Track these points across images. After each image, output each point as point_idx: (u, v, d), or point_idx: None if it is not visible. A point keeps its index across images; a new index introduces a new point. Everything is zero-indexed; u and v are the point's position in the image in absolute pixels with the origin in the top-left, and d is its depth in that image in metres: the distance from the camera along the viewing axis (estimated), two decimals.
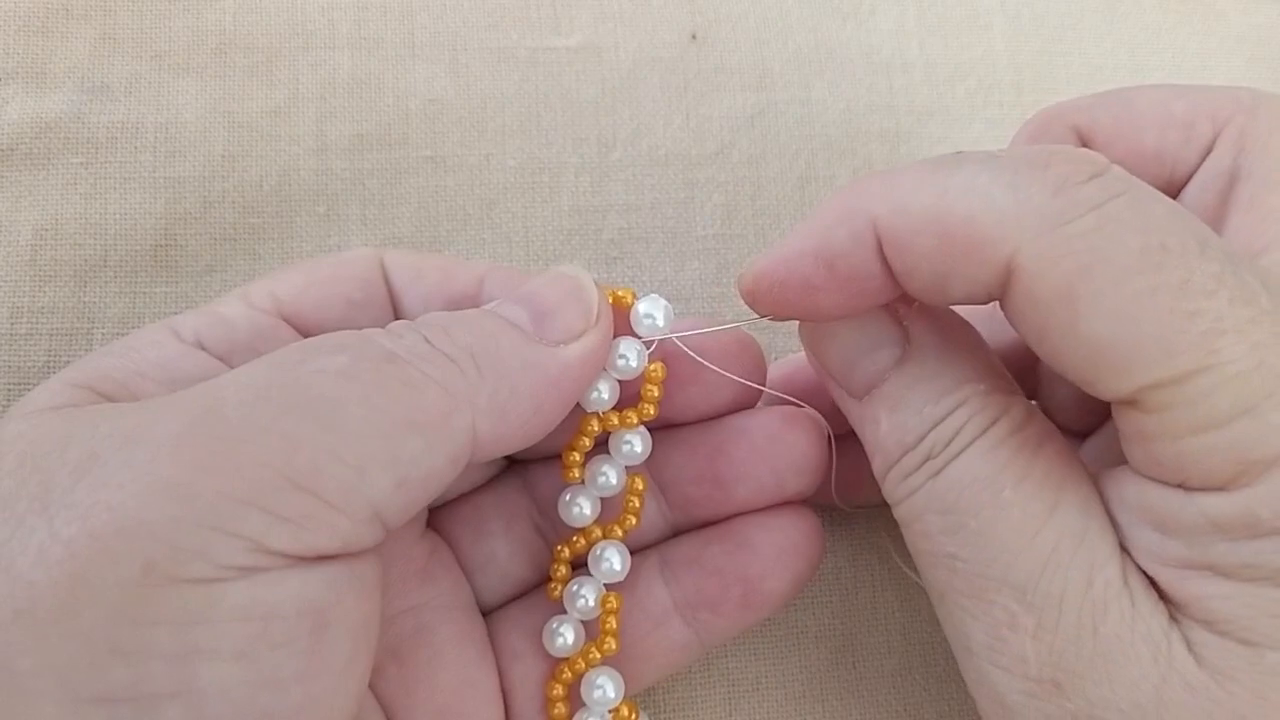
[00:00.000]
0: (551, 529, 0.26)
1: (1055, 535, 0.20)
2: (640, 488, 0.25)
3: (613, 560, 0.24)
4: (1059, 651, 0.19)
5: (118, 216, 0.30)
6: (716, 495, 0.25)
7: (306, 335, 0.23)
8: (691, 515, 0.26)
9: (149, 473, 0.17)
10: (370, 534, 0.19)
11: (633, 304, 0.24)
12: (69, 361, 0.29)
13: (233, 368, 0.22)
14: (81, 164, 0.30)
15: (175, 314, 0.23)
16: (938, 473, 0.21)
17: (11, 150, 0.30)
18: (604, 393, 0.24)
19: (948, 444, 0.21)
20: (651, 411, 0.24)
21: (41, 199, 0.30)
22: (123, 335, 0.29)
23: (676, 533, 0.26)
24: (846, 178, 0.34)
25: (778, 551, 0.25)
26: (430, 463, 0.19)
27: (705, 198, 0.33)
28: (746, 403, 0.26)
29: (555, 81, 0.33)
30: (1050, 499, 0.20)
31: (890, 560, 0.30)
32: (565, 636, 0.24)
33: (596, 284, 0.23)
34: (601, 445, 0.25)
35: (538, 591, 0.26)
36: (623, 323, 0.24)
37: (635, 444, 0.24)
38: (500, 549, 0.26)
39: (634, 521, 0.25)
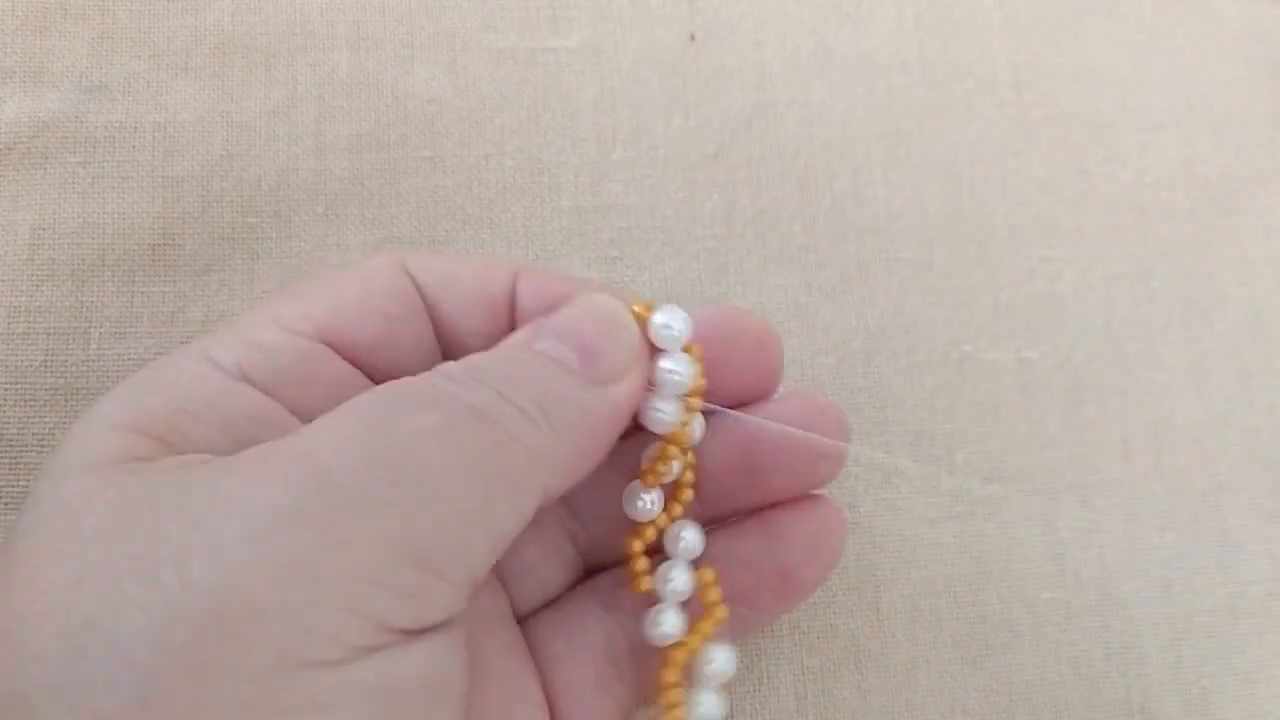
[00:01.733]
0: (581, 529, 0.26)
1: None
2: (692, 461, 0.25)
3: (691, 539, 0.25)
4: None
5: (115, 216, 0.30)
6: (750, 485, 0.25)
7: (349, 357, 0.23)
8: (723, 507, 0.26)
9: (272, 550, 0.17)
10: (467, 600, 0.19)
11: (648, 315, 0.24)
12: (66, 362, 0.28)
13: (281, 401, 0.22)
14: (79, 163, 0.30)
15: (201, 337, 0.23)
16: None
17: (9, 149, 0.30)
18: (669, 413, 0.24)
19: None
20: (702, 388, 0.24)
21: (39, 198, 0.29)
22: (119, 336, 0.29)
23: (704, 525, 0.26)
24: (846, 178, 0.34)
25: (810, 540, 0.25)
26: (515, 526, 0.20)
27: (705, 198, 0.33)
28: (764, 392, 0.26)
29: (554, 82, 0.33)
30: None
31: (893, 560, 0.30)
32: (668, 623, 0.24)
33: (630, 309, 0.23)
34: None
35: (569, 595, 0.26)
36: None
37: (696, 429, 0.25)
38: (536, 556, 0.26)
39: (690, 495, 0.25)
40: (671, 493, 0.25)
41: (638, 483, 0.25)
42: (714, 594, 0.24)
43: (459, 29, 0.33)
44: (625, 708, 0.25)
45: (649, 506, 0.25)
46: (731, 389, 0.25)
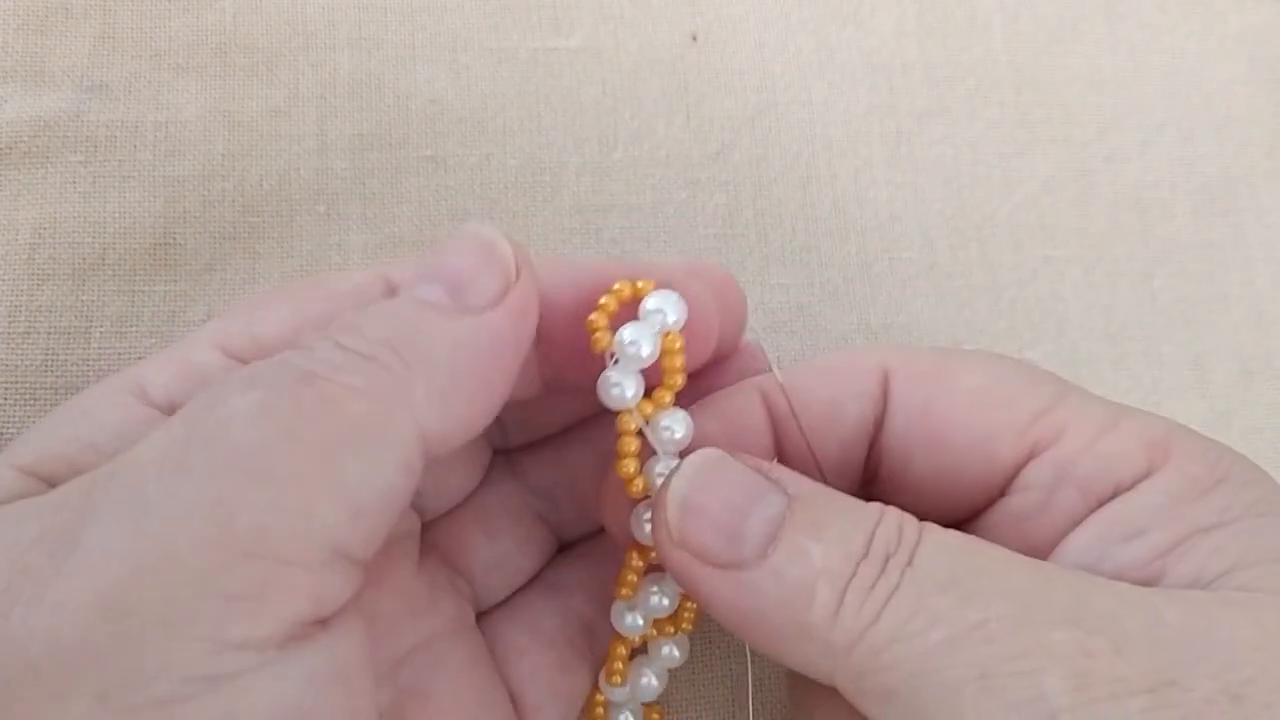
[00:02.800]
0: (551, 509, 0.26)
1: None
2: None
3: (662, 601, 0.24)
4: (1161, 644, 0.18)
5: (116, 215, 0.30)
6: None
7: None
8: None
9: (82, 587, 0.15)
10: (341, 580, 0.17)
11: (645, 295, 0.22)
12: (67, 361, 0.28)
13: None
14: (80, 162, 0.30)
15: (141, 362, 0.21)
16: (911, 559, 0.19)
17: (10, 149, 0.30)
18: (628, 390, 0.22)
19: (900, 536, 0.19)
20: (680, 381, 0.23)
21: (40, 197, 0.29)
22: (120, 336, 0.29)
23: None
24: (848, 178, 0.34)
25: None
26: (382, 480, 0.18)
27: (707, 198, 0.33)
28: (730, 342, 0.25)
29: (556, 82, 0.33)
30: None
31: None
32: (636, 618, 0.24)
33: (508, 238, 0.21)
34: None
35: (531, 584, 0.26)
36: (633, 313, 0.23)
37: (676, 429, 0.23)
38: (511, 547, 0.25)
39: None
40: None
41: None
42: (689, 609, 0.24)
43: (461, 29, 0.33)
44: (586, 684, 0.25)
45: (636, 623, 0.24)
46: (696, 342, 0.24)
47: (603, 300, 0.22)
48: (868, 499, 0.21)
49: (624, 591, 0.24)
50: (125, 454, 0.17)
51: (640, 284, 0.22)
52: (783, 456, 0.23)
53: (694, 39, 0.34)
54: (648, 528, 0.22)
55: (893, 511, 0.20)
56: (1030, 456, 0.22)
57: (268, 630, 0.16)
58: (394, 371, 0.18)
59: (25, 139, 0.30)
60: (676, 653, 0.25)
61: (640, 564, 0.24)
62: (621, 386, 0.22)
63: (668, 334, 0.22)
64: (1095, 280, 0.34)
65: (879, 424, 0.23)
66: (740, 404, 0.23)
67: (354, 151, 0.31)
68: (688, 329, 0.22)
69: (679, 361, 0.22)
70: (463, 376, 0.19)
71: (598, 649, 0.25)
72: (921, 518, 0.20)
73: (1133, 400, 0.33)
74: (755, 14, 0.35)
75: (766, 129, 0.34)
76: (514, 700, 0.24)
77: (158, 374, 0.20)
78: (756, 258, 0.32)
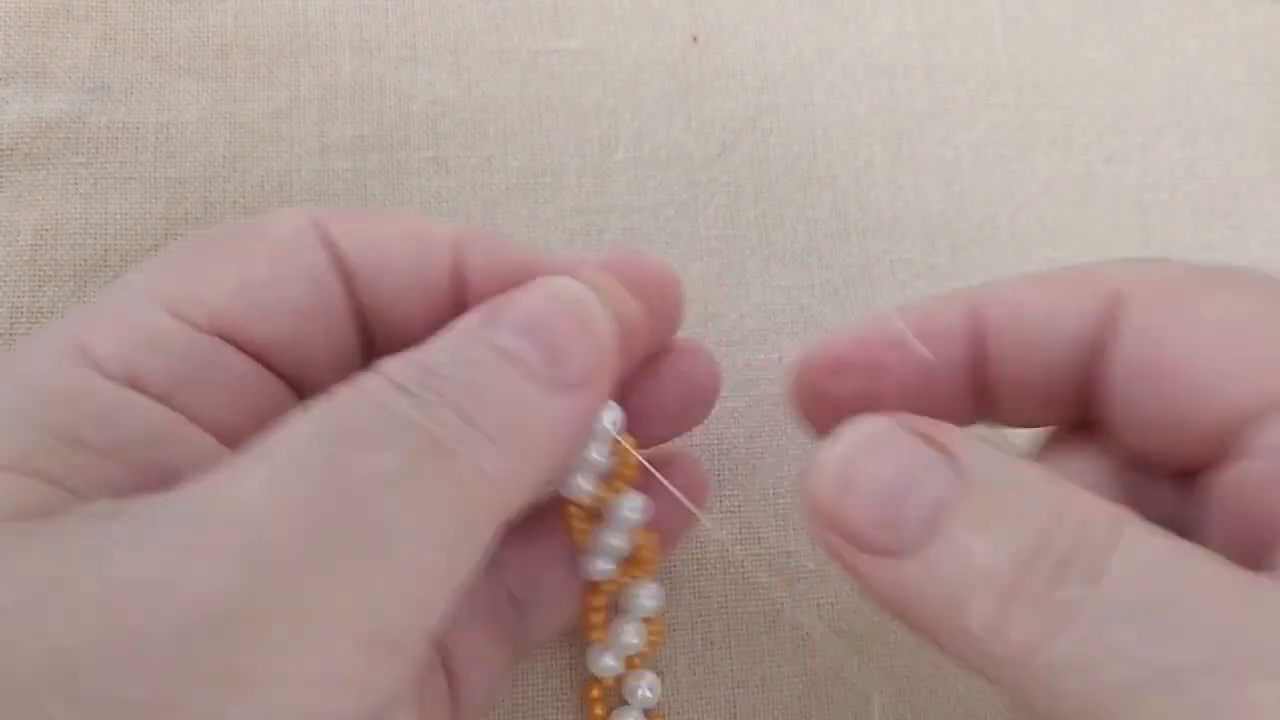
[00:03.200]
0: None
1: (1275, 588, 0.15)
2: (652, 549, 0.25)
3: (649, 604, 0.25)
4: None
5: (118, 217, 0.30)
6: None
7: (251, 351, 0.20)
8: None
9: (201, 654, 0.14)
10: (418, 665, 0.17)
11: None
12: None
13: (176, 408, 0.18)
14: (82, 164, 0.30)
15: (69, 317, 0.19)
16: (1096, 572, 0.15)
17: (11, 150, 0.30)
18: (585, 484, 0.23)
19: (1084, 535, 0.16)
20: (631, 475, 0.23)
21: (41, 199, 0.29)
22: None
23: None
24: (849, 179, 0.34)
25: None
26: (475, 567, 0.17)
27: (708, 199, 0.33)
28: (665, 334, 0.24)
29: (557, 84, 0.33)
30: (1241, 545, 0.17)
31: None
32: (610, 661, 0.25)
33: (600, 301, 0.20)
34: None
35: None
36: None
37: (635, 510, 0.24)
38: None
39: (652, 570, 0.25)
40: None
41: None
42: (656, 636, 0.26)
43: (461, 31, 0.33)
44: (508, 660, 0.25)
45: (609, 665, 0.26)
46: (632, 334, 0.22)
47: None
48: (1077, 441, 0.19)
49: (594, 635, 0.24)
50: (217, 487, 0.16)
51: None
52: (981, 385, 0.21)
53: (695, 40, 0.34)
54: (599, 565, 0.24)
55: (1082, 502, 0.16)
56: (1273, 409, 0.18)
57: (361, 712, 0.16)
58: (506, 458, 0.17)
59: (27, 140, 0.30)
60: (651, 603, 0.26)
61: (601, 603, 0.25)
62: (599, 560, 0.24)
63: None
64: None
65: (1101, 351, 0.20)
66: (939, 317, 0.21)
67: (355, 153, 0.31)
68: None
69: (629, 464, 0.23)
70: (547, 460, 0.19)
71: (523, 626, 0.25)
72: (1141, 468, 0.18)
73: None
74: (756, 15, 0.35)
75: (767, 130, 0.34)
76: (447, 673, 0.23)
77: (102, 337, 0.18)
78: (757, 258, 0.32)
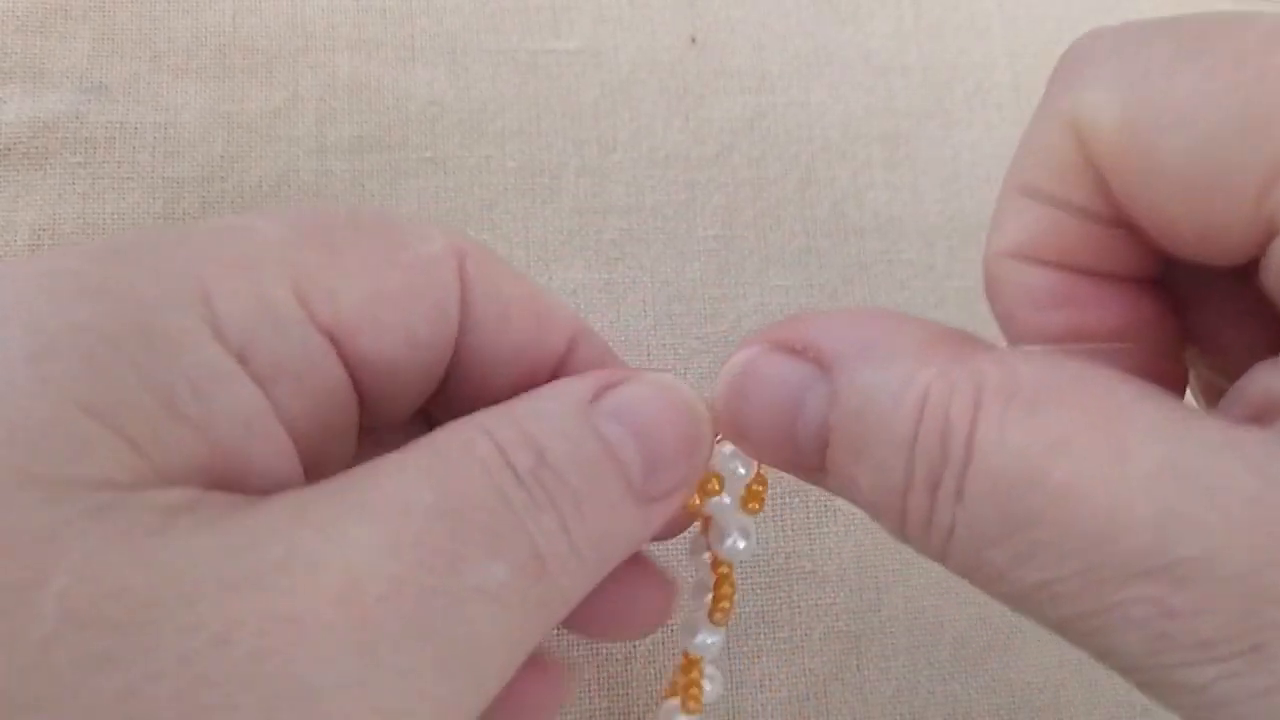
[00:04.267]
0: None
1: (1157, 478, 0.14)
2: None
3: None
4: (1238, 614, 0.14)
5: (116, 216, 0.30)
6: None
7: (351, 369, 0.18)
8: None
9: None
10: None
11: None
12: None
13: (271, 399, 0.17)
14: (80, 164, 0.30)
15: (203, 255, 0.17)
16: (960, 487, 0.15)
17: (9, 150, 0.30)
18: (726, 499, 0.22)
19: (944, 452, 0.15)
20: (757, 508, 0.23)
21: (39, 198, 0.29)
22: None
23: None
24: (847, 179, 0.34)
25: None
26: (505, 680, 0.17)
27: (706, 199, 0.33)
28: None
29: (555, 84, 0.33)
30: (1118, 436, 0.15)
31: (894, 561, 0.30)
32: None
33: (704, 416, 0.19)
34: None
35: None
36: None
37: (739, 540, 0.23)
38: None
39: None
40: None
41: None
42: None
43: (460, 31, 0.33)
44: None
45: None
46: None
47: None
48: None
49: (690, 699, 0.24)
50: (328, 543, 0.15)
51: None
52: (1116, 209, 0.17)
53: (693, 41, 0.34)
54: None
55: (934, 408, 0.15)
56: None
57: None
58: (587, 578, 0.17)
59: (25, 140, 0.30)
60: (741, 544, 0.23)
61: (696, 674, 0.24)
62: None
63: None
64: None
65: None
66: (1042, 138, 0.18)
67: (353, 153, 0.31)
68: None
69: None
70: (611, 567, 0.18)
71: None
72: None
73: None
74: (754, 16, 0.35)
75: (765, 130, 0.34)
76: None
77: (226, 291, 0.16)
78: (755, 259, 0.32)
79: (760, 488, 0.22)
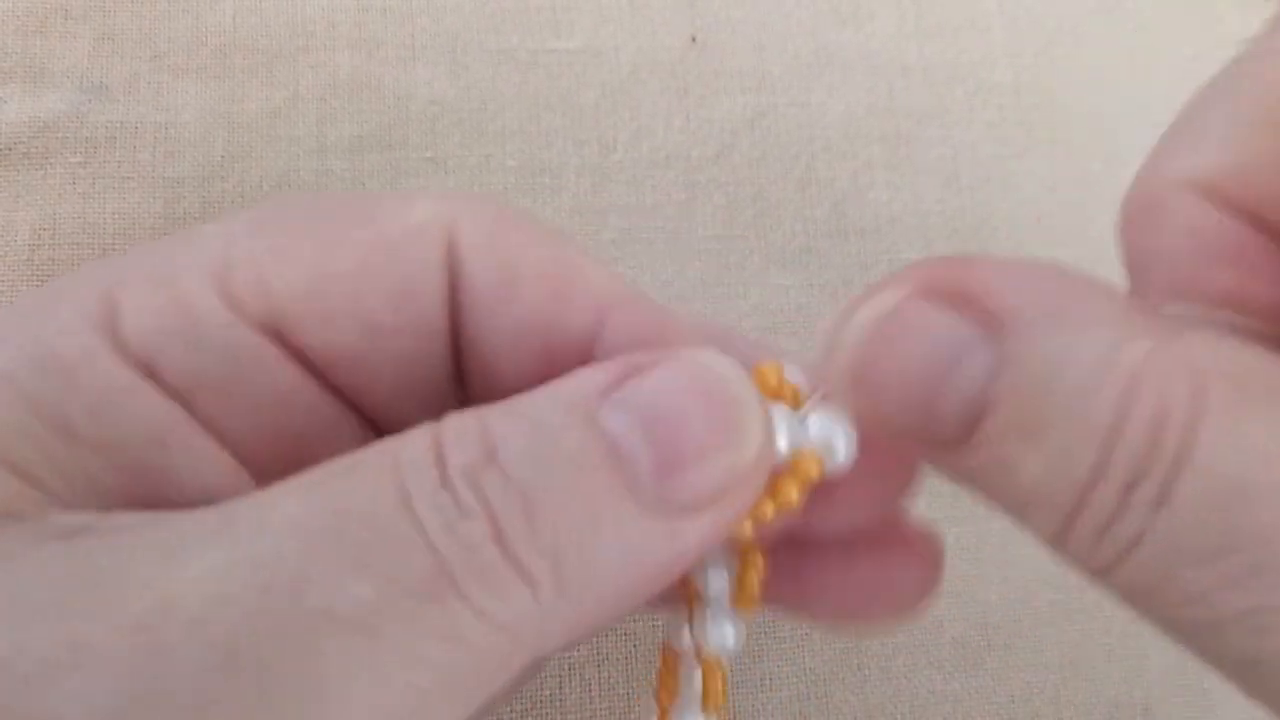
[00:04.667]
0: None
1: None
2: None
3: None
4: None
5: (116, 216, 0.30)
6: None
7: (303, 358, 0.16)
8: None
9: None
10: None
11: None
12: None
13: (191, 408, 0.15)
14: (80, 163, 0.30)
15: (111, 265, 0.16)
16: (1165, 491, 0.13)
17: (10, 149, 0.30)
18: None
19: (1153, 445, 0.13)
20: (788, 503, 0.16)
21: (39, 198, 0.29)
22: None
23: None
24: (847, 179, 0.34)
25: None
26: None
27: (706, 199, 0.33)
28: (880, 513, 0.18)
29: (555, 83, 0.33)
30: None
31: None
32: None
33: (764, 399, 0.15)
34: None
35: None
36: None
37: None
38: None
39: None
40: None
41: None
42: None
43: (460, 30, 0.33)
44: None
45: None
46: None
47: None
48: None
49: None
50: (177, 558, 0.13)
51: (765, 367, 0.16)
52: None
53: (693, 40, 0.34)
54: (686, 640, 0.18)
55: (1149, 392, 0.13)
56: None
57: None
58: (542, 600, 0.13)
59: (25, 140, 0.30)
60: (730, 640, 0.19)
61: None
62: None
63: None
64: None
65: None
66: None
67: (353, 153, 0.31)
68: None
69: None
70: (612, 600, 0.14)
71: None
72: None
73: None
74: (754, 16, 0.35)
75: (766, 130, 0.34)
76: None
77: (135, 303, 0.15)
78: (756, 259, 0.32)
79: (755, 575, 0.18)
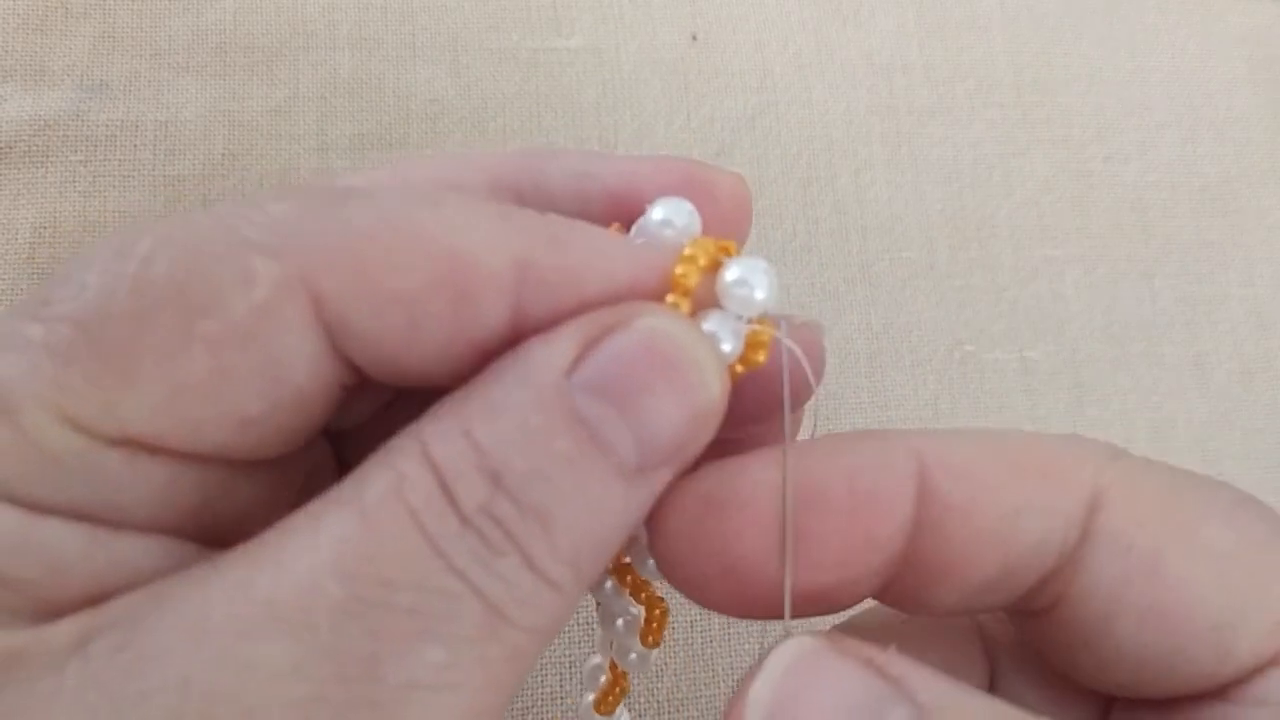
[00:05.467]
0: None
1: None
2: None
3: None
4: None
5: (117, 214, 0.30)
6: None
7: (190, 458, 0.15)
8: None
9: None
10: None
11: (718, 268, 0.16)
12: None
13: (63, 513, 0.14)
14: (81, 161, 0.30)
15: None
16: None
17: (10, 147, 0.30)
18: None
19: None
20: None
21: (40, 196, 0.29)
22: None
23: None
24: (848, 178, 0.34)
25: None
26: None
27: None
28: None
29: (556, 82, 0.33)
30: None
31: None
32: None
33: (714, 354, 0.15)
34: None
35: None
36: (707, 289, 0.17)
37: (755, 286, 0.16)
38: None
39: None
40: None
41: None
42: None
43: (461, 29, 0.33)
44: None
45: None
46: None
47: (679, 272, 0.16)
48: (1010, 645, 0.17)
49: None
50: (229, 638, 0.13)
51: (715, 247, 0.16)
52: (918, 558, 0.17)
53: (694, 39, 0.34)
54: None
55: None
56: (1274, 662, 0.16)
57: None
58: (570, 600, 0.14)
59: (25, 138, 0.30)
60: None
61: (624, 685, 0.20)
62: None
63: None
64: (1095, 280, 0.34)
65: (1070, 561, 0.17)
66: (875, 461, 0.17)
67: (354, 151, 0.31)
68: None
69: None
70: (586, 551, 0.14)
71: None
72: (1092, 690, 0.17)
73: (1133, 400, 0.33)
74: (755, 14, 0.35)
75: (766, 129, 0.34)
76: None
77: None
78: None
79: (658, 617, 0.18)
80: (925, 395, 0.32)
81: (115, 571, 0.14)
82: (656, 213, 0.17)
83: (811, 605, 0.17)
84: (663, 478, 0.15)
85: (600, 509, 0.14)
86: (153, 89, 0.31)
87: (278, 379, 0.14)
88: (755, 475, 0.16)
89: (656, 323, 0.15)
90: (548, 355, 0.15)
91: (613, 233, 0.17)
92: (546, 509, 0.14)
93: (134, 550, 0.14)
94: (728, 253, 0.16)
